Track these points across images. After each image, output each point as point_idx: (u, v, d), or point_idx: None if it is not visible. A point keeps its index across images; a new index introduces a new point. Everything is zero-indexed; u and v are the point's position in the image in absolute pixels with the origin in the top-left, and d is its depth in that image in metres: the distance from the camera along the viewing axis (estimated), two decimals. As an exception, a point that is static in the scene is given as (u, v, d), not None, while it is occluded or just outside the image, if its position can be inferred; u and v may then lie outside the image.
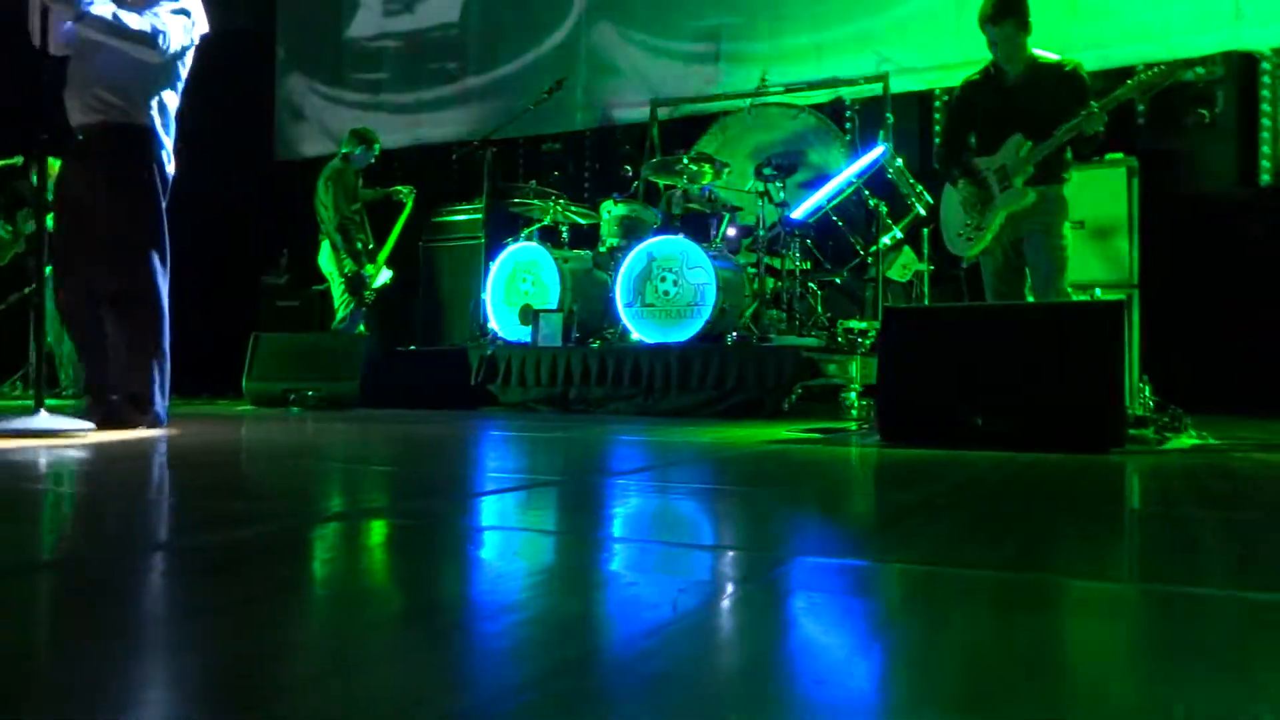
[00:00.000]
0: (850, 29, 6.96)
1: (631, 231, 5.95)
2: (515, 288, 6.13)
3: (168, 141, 3.49)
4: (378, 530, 1.55)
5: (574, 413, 5.25)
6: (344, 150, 6.77)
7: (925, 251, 5.94)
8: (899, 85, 6.70)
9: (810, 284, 6.07)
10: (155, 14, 3.36)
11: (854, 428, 4.20)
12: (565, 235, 6.53)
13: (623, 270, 5.56)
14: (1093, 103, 3.92)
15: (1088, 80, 4.12)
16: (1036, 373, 3.01)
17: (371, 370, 5.65)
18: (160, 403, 3.42)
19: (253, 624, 0.95)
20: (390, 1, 8.85)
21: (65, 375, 6.84)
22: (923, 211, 5.70)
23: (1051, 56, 4.14)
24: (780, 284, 5.92)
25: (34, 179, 6.44)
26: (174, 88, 3.52)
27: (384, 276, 6.79)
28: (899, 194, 5.86)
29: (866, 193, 5.90)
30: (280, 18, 9.37)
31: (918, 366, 3.22)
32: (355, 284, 6.57)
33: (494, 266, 6.23)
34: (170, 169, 3.51)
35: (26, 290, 6.91)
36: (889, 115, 6.63)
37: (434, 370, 5.93)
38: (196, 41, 3.54)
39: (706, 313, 5.33)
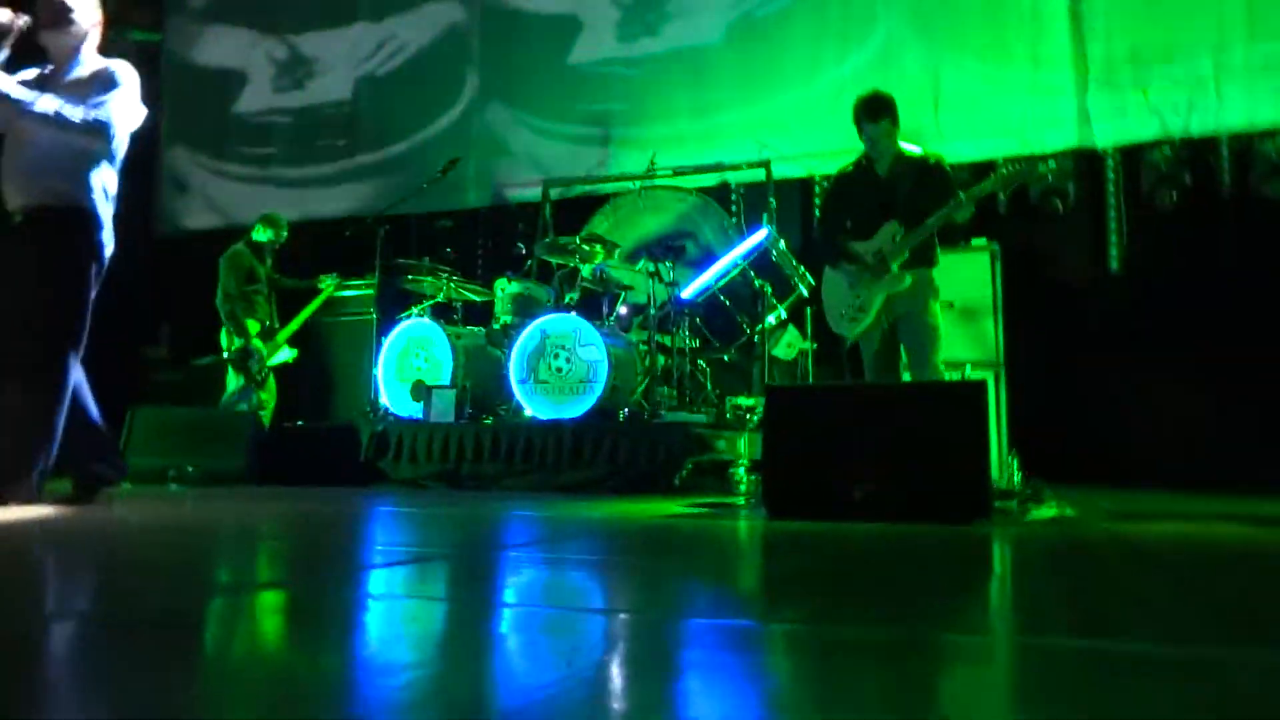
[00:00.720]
0: (734, 117, 7.31)
1: (525, 309, 6.03)
2: (408, 363, 6.11)
3: (107, 221, 3.47)
4: (269, 603, 1.56)
5: (466, 489, 5.23)
6: (253, 235, 6.76)
7: (809, 330, 6.20)
8: (780, 171, 7.04)
9: (700, 361, 6.23)
10: (99, 104, 3.34)
11: (742, 502, 4.32)
12: (458, 312, 6.56)
13: (516, 347, 5.62)
14: (960, 193, 4.23)
15: (950, 172, 4.46)
16: (908, 448, 3.19)
17: (257, 446, 5.52)
18: (36, 480, 3.32)
19: (156, 700, 0.97)
20: (280, 78, 8.85)
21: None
22: (805, 292, 5.97)
23: (915, 150, 4.47)
24: (671, 361, 6.06)
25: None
26: (113, 166, 3.49)
27: (282, 355, 6.72)
28: (782, 275, 6.11)
29: (752, 273, 6.13)
30: (165, 91, 9.23)
31: (799, 442, 3.37)
32: (239, 360, 6.49)
33: (386, 342, 6.20)
34: (109, 249, 3.49)
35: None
36: (772, 200, 6.94)
37: (323, 446, 5.82)
38: (141, 119, 3.53)
39: (599, 389, 5.42)
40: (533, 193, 7.72)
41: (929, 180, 4.37)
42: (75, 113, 3.28)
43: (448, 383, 5.89)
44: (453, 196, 7.87)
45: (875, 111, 4.34)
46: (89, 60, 3.52)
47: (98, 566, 2.07)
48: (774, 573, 2.09)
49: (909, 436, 3.22)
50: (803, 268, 6.05)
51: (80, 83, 3.42)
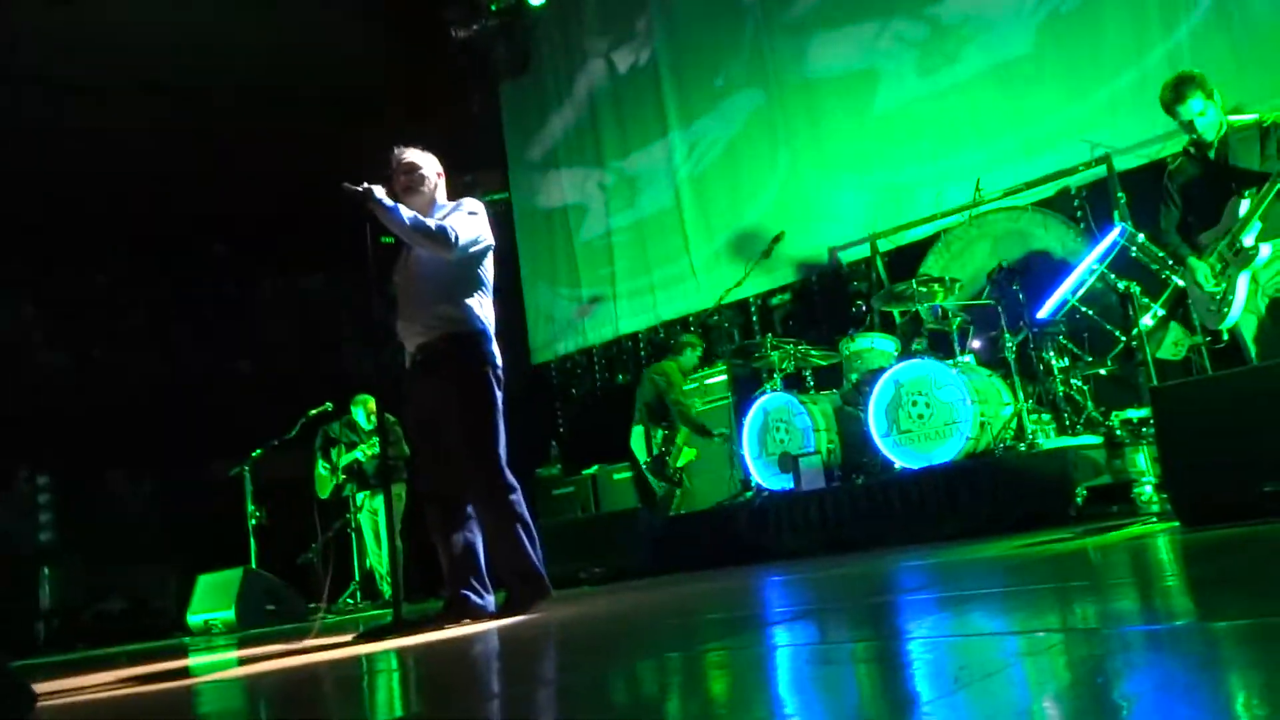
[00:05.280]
0: (1060, 119, 6.87)
1: (873, 364, 5.99)
2: (770, 437, 6.27)
3: (493, 337, 3.77)
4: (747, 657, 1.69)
5: (849, 550, 5.21)
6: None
7: (1197, 323, 5.57)
8: (1125, 163, 6.48)
9: (1073, 380, 5.80)
10: (447, 218, 3.71)
11: (1155, 521, 3.93)
12: (809, 380, 6.65)
13: (872, 402, 5.58)
14: None
15: None
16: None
17: (649, 539, 5.91)
18: (543, 571, 3.60)
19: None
20: (612, 201, 9.62)
21: (385, 587, 7.58)
22: (1181, 283, 5.40)
23: (1247, 118, 4.04)
24: (1039, 387, 5.71)
25: (357, 415, 7.55)
26: (486, 292, 3.82)
27: (686, 456, 7.30)
28: (1150, 271, 5.58)
29: (1112, 277, 5.66)
30: (519, 239, 10.35)
31: (1202, 441, 3.03)
32: (659, 467, 7.16)
33: (746, 421, 6.41)
34: (499, 359, 3.77)
35: (348, 515, 7.84)
36: (1120, 195, 6.39)
37: (708, 530, 6.10)
38: (492, 243, 3.86)
39: (966, 429, 5.22)
40: (861, 250, 7.69)
41: (1267, 141, 3.91)
42: (430, 222, 3.64)
43: (811, 449, 5.96)
44: (784, 271, 8.07)
45: (1178, 93, 4.02)
46: (442, 205, 3.91)
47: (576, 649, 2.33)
48: (1197, 577, 1.90)
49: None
50: (1170, 259, 5.49)
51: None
